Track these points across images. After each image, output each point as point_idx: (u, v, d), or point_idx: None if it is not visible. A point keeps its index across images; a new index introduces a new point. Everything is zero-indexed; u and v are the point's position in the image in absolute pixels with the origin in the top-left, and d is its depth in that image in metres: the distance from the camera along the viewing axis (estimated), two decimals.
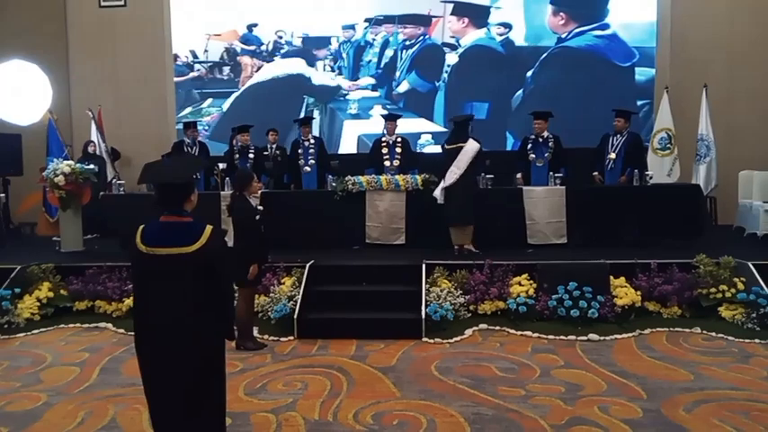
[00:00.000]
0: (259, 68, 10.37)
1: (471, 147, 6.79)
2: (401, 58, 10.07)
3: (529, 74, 9.80)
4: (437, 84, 10.02)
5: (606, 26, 9.61)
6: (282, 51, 10.31)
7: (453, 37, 9.96)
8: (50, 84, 8.27)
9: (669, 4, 9.59)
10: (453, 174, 6.80)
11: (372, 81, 10.14)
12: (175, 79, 10.49)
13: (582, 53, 9.66)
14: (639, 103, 9.49)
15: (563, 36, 9.70)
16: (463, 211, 6.82)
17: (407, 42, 10.04)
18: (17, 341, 5.74)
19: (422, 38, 10.00)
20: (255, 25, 10.33)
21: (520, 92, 9.83)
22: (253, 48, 10.38)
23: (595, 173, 7.81)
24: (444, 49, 10.00)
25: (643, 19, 9.61)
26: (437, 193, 6.89)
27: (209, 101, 10.52)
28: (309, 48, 10.25)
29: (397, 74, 10.08)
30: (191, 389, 2.77)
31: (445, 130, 9.77)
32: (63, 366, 4.97)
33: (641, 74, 9.65)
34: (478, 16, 9.90)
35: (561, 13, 9.66)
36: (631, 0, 9.62)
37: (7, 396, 4.37)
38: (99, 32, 10.62)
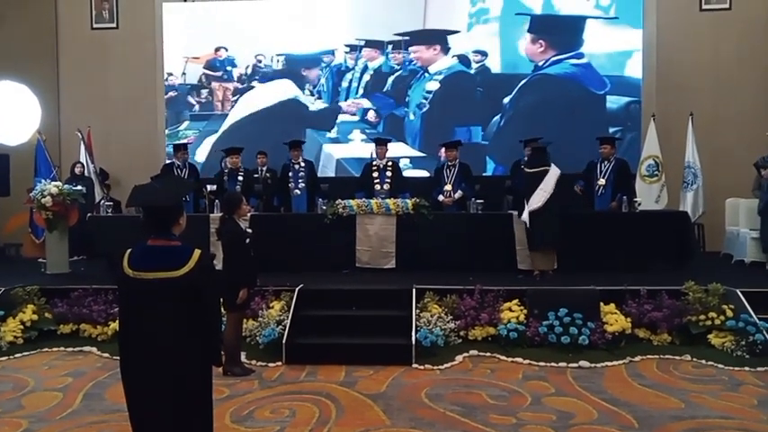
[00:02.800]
0: (234, 92, 10.36)
1: (555, 171, 6.79)
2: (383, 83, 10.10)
3: (506, 100, 9.85)
4: (407, 110, 10.02)
5: (581, 55, 9.72)
6: (262, 75, 10.30)
7: (413, 63, 9.97)
8: (40, 104, 8.23)
9: (654, 33, 9.74)
10: (541, 197, 6.69)
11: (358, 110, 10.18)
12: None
13: (560, 80, 9.75)
14: (612, 129, 9.55)
15: (540, 64, 9.81)
16: (551, 235, 6.73)
17: (395, 67, 10.08)
18: None
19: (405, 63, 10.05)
20: (223, 49, 10.31)
21: (497, 117, 9.87)
22: (219, 74, 10.38)
23: (576, 186, 7.82)
24: (415, 74, 10.00)
25: (617, 48, 9.69)
26: (525, 216, 6.78)
27: (186, 123, 10.51)
28: (293, 71, 10.24)
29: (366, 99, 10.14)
30: (176, 415, 2.71)
31: (423, 154, 9.84)
32: (45, 391, 4.85)
33: (614, 102, 9.74)
34: (446, 43, 9.94)
35: (540, 41, 9.78)
36: (606, 30, 9.72)
37: None
38: (90, 54, 10.65)
